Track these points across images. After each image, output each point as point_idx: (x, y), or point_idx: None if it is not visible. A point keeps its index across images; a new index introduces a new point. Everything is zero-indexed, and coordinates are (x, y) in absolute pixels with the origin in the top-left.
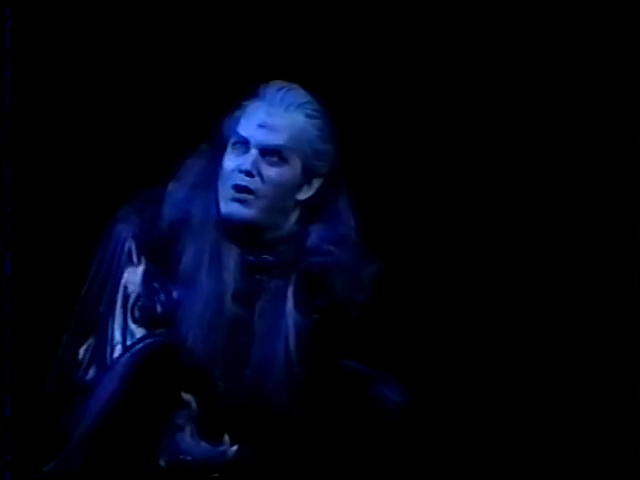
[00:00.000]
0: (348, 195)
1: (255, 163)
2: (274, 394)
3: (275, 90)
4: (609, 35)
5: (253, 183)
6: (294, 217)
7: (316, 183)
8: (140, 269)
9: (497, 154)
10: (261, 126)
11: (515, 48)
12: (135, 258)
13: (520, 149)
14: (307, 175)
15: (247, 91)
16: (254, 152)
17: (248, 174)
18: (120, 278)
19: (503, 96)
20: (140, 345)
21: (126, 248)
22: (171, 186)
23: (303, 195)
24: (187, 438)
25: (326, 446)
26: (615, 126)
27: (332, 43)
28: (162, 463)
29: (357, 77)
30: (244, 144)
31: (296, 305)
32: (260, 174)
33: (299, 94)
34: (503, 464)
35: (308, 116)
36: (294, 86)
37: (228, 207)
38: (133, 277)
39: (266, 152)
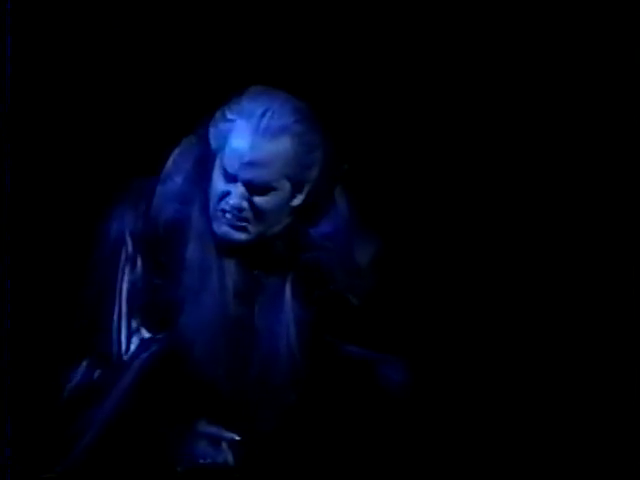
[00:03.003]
0: (342, 184)
1: (244, 195)
2: (280, 388)
3: (260, 114)
4: (609, 35)
5: (244, 214)
6: (289, 216)
7: (307, 187)
8: (139, 268)
9: (494, 139)
10: (247, 164)
11: (508, 50)
12: (134, 257)
13: (516, 138)
14: (297, 187)
15: (235, 82)
16: (241, 187)
17: (239, 209)
18: (120, 277)
19: (491, 88)
20: (145, 354)
21: (124, 247)
22: (161, 182)
23: (295, 203)
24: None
25: (334, 432)
26: (616, 126)
27: (324, 31)
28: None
29: (349, 65)
30: (231, 176)
31: (295, 298)
32: (250, 203)
33: (284, 113)
34: (507, 447)
35: (294, 136)
36: (278, 102)
37: (221, 229)
38: (133, 276)
39: (253, 188)
